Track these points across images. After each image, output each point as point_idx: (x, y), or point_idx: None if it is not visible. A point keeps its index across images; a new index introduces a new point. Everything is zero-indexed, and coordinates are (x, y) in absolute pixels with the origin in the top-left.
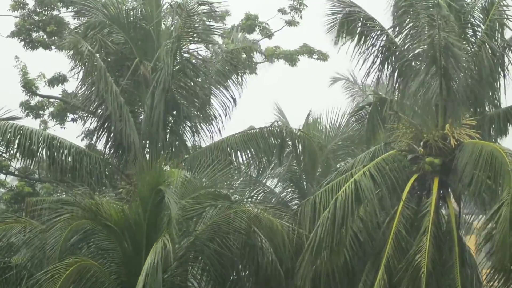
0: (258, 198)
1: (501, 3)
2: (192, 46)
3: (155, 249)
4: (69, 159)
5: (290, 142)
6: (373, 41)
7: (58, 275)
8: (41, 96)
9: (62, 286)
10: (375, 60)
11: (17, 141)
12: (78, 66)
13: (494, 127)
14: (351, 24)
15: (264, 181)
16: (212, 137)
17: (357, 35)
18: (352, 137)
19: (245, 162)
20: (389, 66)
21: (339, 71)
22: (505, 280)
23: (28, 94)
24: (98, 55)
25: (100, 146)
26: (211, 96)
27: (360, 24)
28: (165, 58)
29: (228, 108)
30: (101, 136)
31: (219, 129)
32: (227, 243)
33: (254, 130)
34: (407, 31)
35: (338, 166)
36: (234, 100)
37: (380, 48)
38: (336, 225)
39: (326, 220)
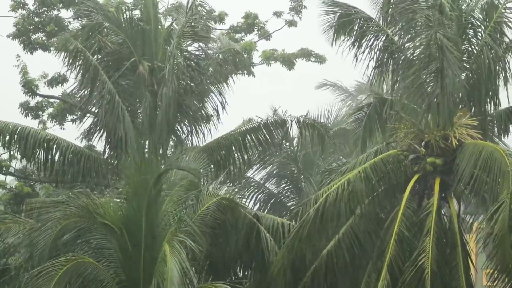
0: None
1: (506, 5)
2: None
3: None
4: (67, 160)
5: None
6: (372, 41)
7: (53, 272)
8: (41, 96)
9: (57, 283)
10: (375, 60)
11: (15, 142)
12: (71, 65)
13: (495, 127)
14: (349, 25)
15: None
16: (206, 137)
17: (355, 36)
18: (345, 132)
19: (250, 155)
20: (389, 66)
21: (337, 73)
22: (508, 281)
23: (28, 94)
24: (91, 56)
25: (98, 146)
26: (208, 96)
27: (358, 24)
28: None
29: (223, 106)
30: (97, 135)
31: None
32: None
33: (256, 122)
34: (405, 30)
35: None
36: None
37: (380, 48)
38: (323, 220)
39: (314, 214)
